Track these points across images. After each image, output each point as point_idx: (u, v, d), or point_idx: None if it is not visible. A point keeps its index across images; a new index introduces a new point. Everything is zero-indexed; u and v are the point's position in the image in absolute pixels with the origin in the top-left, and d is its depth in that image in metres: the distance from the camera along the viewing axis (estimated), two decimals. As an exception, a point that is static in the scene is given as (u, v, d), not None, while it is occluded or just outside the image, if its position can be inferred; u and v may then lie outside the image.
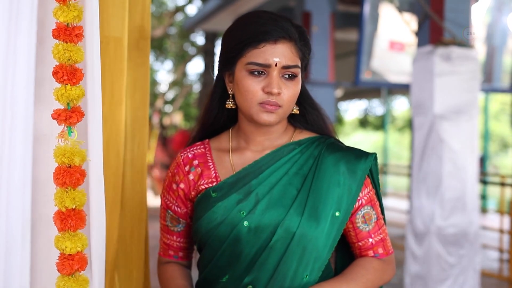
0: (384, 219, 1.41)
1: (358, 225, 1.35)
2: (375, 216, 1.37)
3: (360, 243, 1.37)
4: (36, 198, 1.13)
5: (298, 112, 1.38)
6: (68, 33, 1.07)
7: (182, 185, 1.39)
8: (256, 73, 1.28)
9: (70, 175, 1.07)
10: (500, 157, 20.90)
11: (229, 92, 1.35)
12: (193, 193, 1.38)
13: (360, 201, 1.35)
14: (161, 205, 1.45)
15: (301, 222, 1.27)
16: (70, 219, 1.07)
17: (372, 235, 1.36)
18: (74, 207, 1.08)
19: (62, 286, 1.07)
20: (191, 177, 1.38)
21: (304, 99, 1.41)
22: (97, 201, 1.18)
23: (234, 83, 1.32)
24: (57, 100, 1.07)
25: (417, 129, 3.98)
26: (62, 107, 1.09)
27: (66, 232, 1.08)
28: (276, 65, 1.26)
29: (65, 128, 1.08)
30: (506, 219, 6.77)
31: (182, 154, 1.41)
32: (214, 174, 1.36)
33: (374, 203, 1.37)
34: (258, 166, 1.34)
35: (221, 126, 1.44)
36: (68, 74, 1.07)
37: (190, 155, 1.40)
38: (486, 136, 11.26)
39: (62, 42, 1.07)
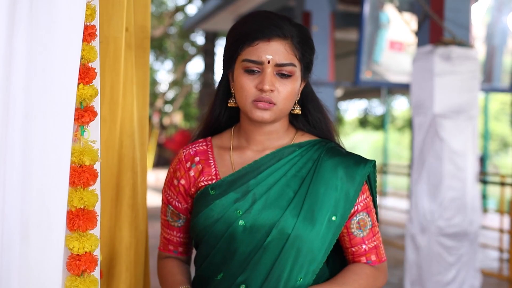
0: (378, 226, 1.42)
1: (353, 230, 1.36)
2: (370, 223, 1.37)
3: (353, 249, 1.38)
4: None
5: (300, 112, 1.38)
6: (84, 32, 1.07)
7: (182, 181, 1.40)
8: (250, 71, 1.29)
9: (78, 174, 1.06)
10: (500, 157, 20.90)
11: (231, 91, 1.37)
12: (193, 189, 1.39)
13: (356, 207, 1.35)
14: (162, 200, 1.45)
15: (296, 224, 1.28)
16: (78, 219, 1.07)
17: (366, 242, 1.37)
18: (82, 207, 1.07)
19: (69, 286, 1.07)
20: (192, 173, 1.39)
21: (308, 100, 1.42)
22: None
23: (234, 82, 1.34)
24: None
25: (417, 128, 3.98)
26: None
27: (75, 231, 1.07)
28: (268, 62, 1.28)
29: (78, 127, 1.08)
30: (506, 219, 6.78)
31: (184, 151, 1.42)
32: (214, 172, 1.38)
33: (370, 210, 1.38)
34: (257, 166, 1.35)
35: (224, 125, 1.45)
36: (82, 73, 1.07)
37: (192, 152, 1.41)
38: (486, 136, 11.26)
39: None
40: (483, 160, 10.55)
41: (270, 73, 1.28)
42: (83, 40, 1.07)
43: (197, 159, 1.40)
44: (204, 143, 1.42)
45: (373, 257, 1.38)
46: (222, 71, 1.40)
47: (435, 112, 3.79)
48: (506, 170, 16.85)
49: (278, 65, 1.28)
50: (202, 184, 1.37)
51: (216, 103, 1.43)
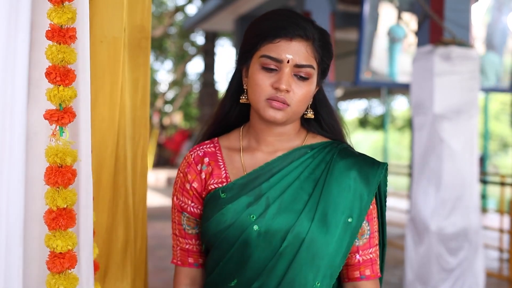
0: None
1: None
2: (368, 232, 1.32)
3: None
4: (28, 196, 1.14)
5: (313, 116, 1.36)
6: (62, 34, 1.08)
7: (195, 184, 1.35)
8: (268, 68, 1.26)
9: (62, 174, 1.08)
10: (500, 157, 20.91)
11: (244, 87, 1.34)
12: (204, 192, 1.35)
13: None
14: (175, 208, 1.39)
15: (311, 228, 1.24)
16: (61, 218, 1.08)
17: (360, 252, 1.31)
18: (65, 206, 1.09)
19: (53, 284, 1.08)
20: (203, 175, 1.35)
21: (321, 106, 1.39)
22: (86, 200, 1.19)
23: (248, 77, 1.31)
24: (50, 100, 1.08)
25: (417, 128, 3.98)
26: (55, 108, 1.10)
27: (56, 230, 1.08)
28: (288, 61, 1.25)
29: (57, 128, 1.09)
30: (506, 219, 6.77)
31: (192, 153, 1.38)
32: (225, 174, 1.33)
33: (371, 218, 1.32)
34: (269, 168, 1.31)
35: (233, 122, 1.41)
36: (61, 75, 1.08)
37: (200, 153, 1.37)
38: (486, 136, 11.26)
39: (55, 44, 1.08)
40: (483, 160, 10.54)
41: (288, 73, 1.25)
42: (63, 42, 1.08)
43: (206, 160, 1.36)
44: (212, 145, 1.39)
45: (367, 272, 1.31)
46: (236, 66, 1.37)
47: (435, 112, 3.79)
48: (506, 170, 16.84)
49: (297, 66, 1.25)
50: (212, 187, 1.33)
51: (226, 98, 1.40)
